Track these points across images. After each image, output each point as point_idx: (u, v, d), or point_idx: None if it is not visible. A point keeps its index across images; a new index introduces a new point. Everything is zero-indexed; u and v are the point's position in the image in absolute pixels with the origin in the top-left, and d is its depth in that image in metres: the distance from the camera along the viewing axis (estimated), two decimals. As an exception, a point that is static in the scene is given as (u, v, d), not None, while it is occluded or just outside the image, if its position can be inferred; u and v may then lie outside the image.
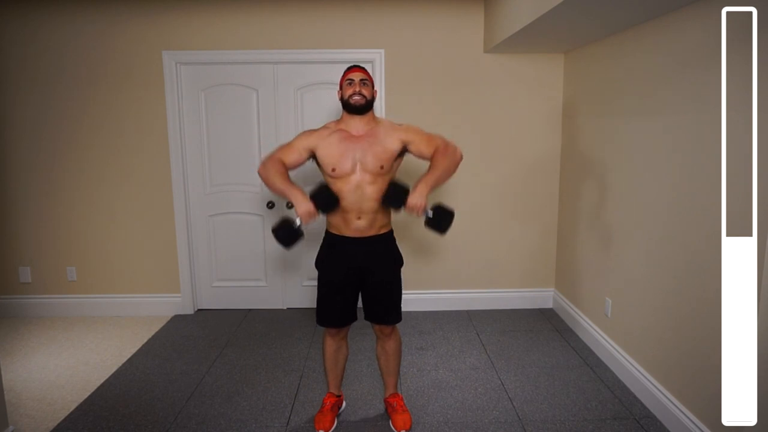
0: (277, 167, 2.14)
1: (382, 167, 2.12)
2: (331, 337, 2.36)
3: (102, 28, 3.50)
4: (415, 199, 2.03)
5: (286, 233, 2.08)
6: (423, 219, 2.10)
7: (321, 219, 2.19)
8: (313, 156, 2.19)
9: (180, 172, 3.67)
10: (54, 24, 3.49)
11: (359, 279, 2.25)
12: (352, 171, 2.11)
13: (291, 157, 2.17)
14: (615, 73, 2.89)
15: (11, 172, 3.67)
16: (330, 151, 2.13)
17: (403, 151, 2.20)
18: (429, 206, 2.06)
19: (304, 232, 2.14)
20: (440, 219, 2.09)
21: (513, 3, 2.86)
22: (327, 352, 2.40)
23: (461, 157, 2.18)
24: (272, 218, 3.79)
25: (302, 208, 2.04)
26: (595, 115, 3.14)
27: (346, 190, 2.12)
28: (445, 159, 2.12)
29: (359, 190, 2.12)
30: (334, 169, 2.11)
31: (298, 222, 2.07)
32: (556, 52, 3.57)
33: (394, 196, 2.06)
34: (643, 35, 2.57)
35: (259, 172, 2.20)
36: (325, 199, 2.08)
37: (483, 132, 3.67)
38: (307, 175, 3.79)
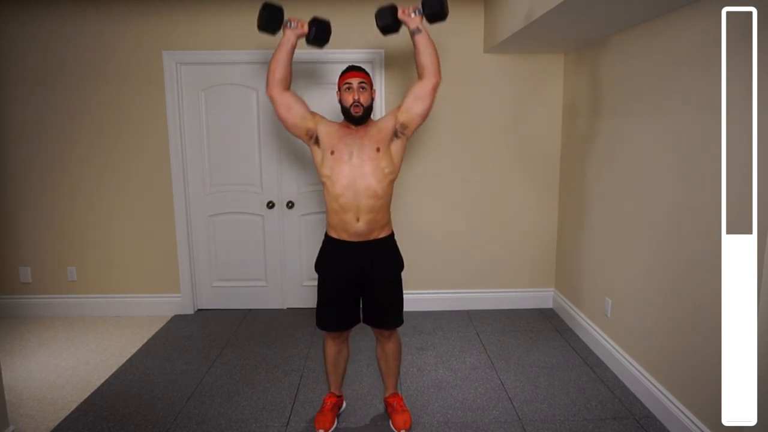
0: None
1: (378, 149, 2.15)
2: (332, 340, 2.35)
3: (102, 28, 3.50)
4: (403, 10, 2.15)
5: (272, 11, 2.15)
6: (421, 25, 2.15)
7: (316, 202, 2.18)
8: (313, 139, 2.21)
9: (180, 172, 3.67)
10: (54, 24, 3.49)
11: (359, 282, 2.24)
12: (349, 158, 2.13)
13: (295, 98, 2.19)
14: (615, 73, 2.89)
15: (11, 172, 3.67)
16: (330, 130, 2.19)
17: (398, 131, 2.20)
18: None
19: (285, 24, 2.18)
20: (432, 2, 2.12)
21: (513, 3, 2.86)
22: (328, 355, 2.39)
23: (439, 68, 2.23)
24: (272, 218, 3.79)
25: (297, 19, 2.17)
26: (595, 115, 3.14)
27: (342, 184, 2.13)
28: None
29: (357, 184, 2.12)
30: (333, 152, 2.14)
31: (287, 19, 2.16)
32: (556, 52, 3.57)
33: (384, 11, 2.16)
34: (643, 35, 2.57)
35: (267, 77, 2.19)
36: (320, 23, 2.17)
37: (483, 132, 3.67)
38: (307, 175, 3.79)
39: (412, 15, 2.15)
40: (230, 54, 3.55)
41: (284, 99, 2.16)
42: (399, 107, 2.21)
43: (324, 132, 2.19)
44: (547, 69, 3.61)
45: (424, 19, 2.17)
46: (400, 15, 2.17)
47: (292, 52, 2.17)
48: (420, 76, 2.19)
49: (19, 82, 3.56)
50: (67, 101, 3.58)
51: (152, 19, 3.50)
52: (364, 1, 3.51)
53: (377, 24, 2.23)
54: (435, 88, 2.18)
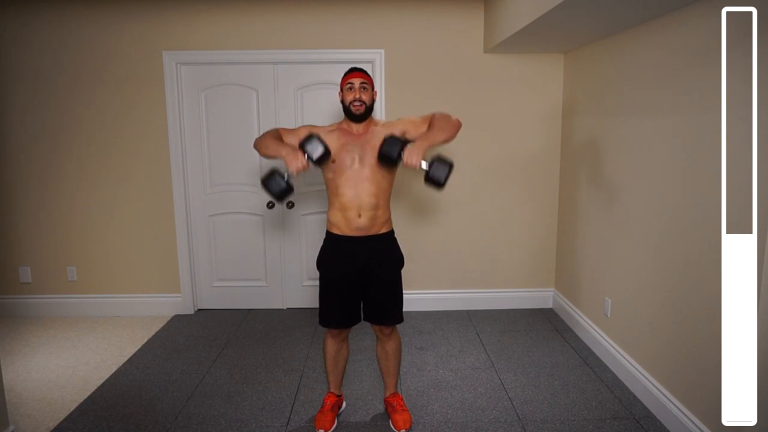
0: (272, 134, 2.19)
1: None
2: (332, 338, 2.36)
3: (102, 28, 3.50)
4: (411, 151, 2.01)
5: (276, 185, 2.06)
6: (423, 175, 2.06)
7: (318, 208, 2.19)
8: None
9: (180, 172, 3.67)
10: (54, 25, 3.49)
11: (361, 279, 2.25)
12: (351, 164, 2.15)
13: (289, 137, 2.19)
14: (615, 73, 2.89)
15: (11, 172, 3.67)
16: (330, 142, 2.15)
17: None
18: (427, 160, 2.03)
19: (294, 185, 2.11)
20: (437, 170, 2.02)
21: (513, 3, 2.86)
22: (328, 353, 2.40)
23: (459, 123, 2.18)
24: (272, 218, 3.79)
25: (292, 163, 2.03)
26: (595, 115, 3.14)
27: (345, 186, 2.15)
28: (440, 120, 2.15)
29: (358, 186, 2.15)
30: (334, 161, 2.14)
31: (286, 175, 2.06)
32: (556, 52, 3.57)
33: (391, 146, 2.02)
34: (643, 35, 2.57)
35: (254, 144, 2.20)
36: (314, 146, 2.03)
37: (483, 132, 3.67)
38: (307, 175, 3.79)
39: (416, 166, 2.03)
40: (230, 54, 3.55)
41: None
42: (406, 129, 2.19)
43: None
44: (547, 69, 3.61)
45: (424, 173, 2.05)
46: (405, 159, 2.01)
47: None
48: None
49: (20, 82, 3.56)
50: (67, 101, 3.58)
51: (152, 19, 3.50)
52: (364, 2, 3.51)
53: (380, 152, 2.06)
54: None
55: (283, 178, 2.05)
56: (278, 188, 2.07)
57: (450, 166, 2.02)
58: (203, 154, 3.72)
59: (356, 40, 3.55)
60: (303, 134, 2.16)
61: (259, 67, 3.61)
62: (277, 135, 2.20)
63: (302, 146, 2.05)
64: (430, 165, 2.02)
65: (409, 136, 2.18)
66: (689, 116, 2.21)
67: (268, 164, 3.72)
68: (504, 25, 3.07)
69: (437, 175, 2.01)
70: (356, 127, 2.21)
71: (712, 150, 2.06)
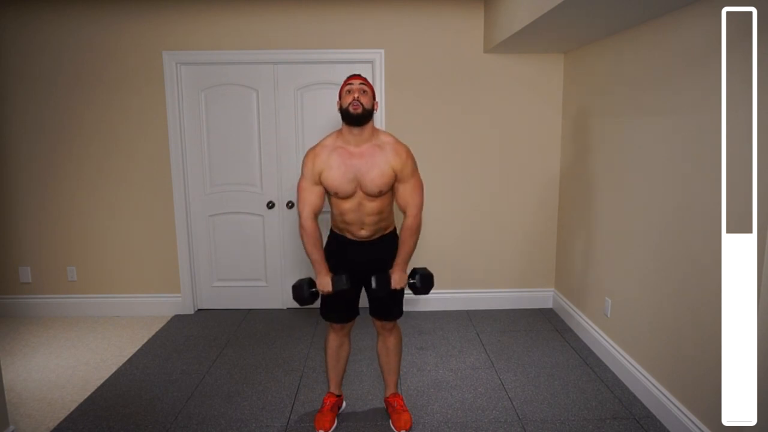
0: (312, 237, 2.18)
1: (380, 192, 2.15)
2: (334, 333, 2.37)
3: (102, 28, 3.50)
4: (398, 282, 2.21)
5: (304, 294, 2.23)
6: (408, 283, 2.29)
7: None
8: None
9: (180, 172, 3.67)
10: (54, 25, 3.49)
11: (363, 275, 2.26)
12: (353, 193, 2.14)
13: (316, 200, 2.18)
14: (615, 73, 2.89)
15: (11, 172, 3.67)
16: (331, 174, 2.13)
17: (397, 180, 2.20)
18: (409, 277, 2.27)
19: (319, 295, 2.27)
20: (426, 284, 2.27)
21: (513, 3, 2.86)
22: (330, 348, 2.41)
23: (420, 227, 2.25)
24: (272, 218, 3.79)
25: (321, 284, 2.19)
26: (595, 114, 3.14)
27: (347, 208, 2.18)
28: (412, 238, 2.22)
29: (360, 208, 2.17)
30: (336, 193, 2.15)
31: (314, 289, 2.24)
32: (556, 52, 3.57)
33: (382, 285, 2.20)
34: (644, 35, 2.57)
35: (300, 235, 2.25)
36: (342, 286, 2.19)
37: (483, 132, 3.67)
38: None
39: (404, 283, 2.24)
40: (230, 54, 3.55)
41: (317, 211, 2.21)
42: (400, 178, 2.16)
43: (324, 177, 2.14)
44: (547, 69, 3.61)
45: (409, 280, 2.27)
46: (394, 287, 2.21)
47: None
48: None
49: (20, 83, 3.56)
50: (67, 101, 3.58)
51: (152, 19, 3.50)
52: (364, 2, 3.51)
53: (372, 291, 2.24)
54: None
55: (312, 288, 2.24)
56: (304, 298, 2.23)
57: (432, 278, 2.28)
58: (203, 154, 3.72)
59: (356, 40, 3.55)
60: (311, 180, 2.15)
61: (259, 67, 3.61)
62: (315, 237, 2.18)
63: (333, 281, 2.19)
64: (417, 278, 2.26)
65: (396, 184, 2.17)
66: (689, 116, 2.21)
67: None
68: (504, 25, 3.07)
69: (427, 288, 2.27)
70: (355, 140, 2.12)
71: (712, 150, 2.06)
